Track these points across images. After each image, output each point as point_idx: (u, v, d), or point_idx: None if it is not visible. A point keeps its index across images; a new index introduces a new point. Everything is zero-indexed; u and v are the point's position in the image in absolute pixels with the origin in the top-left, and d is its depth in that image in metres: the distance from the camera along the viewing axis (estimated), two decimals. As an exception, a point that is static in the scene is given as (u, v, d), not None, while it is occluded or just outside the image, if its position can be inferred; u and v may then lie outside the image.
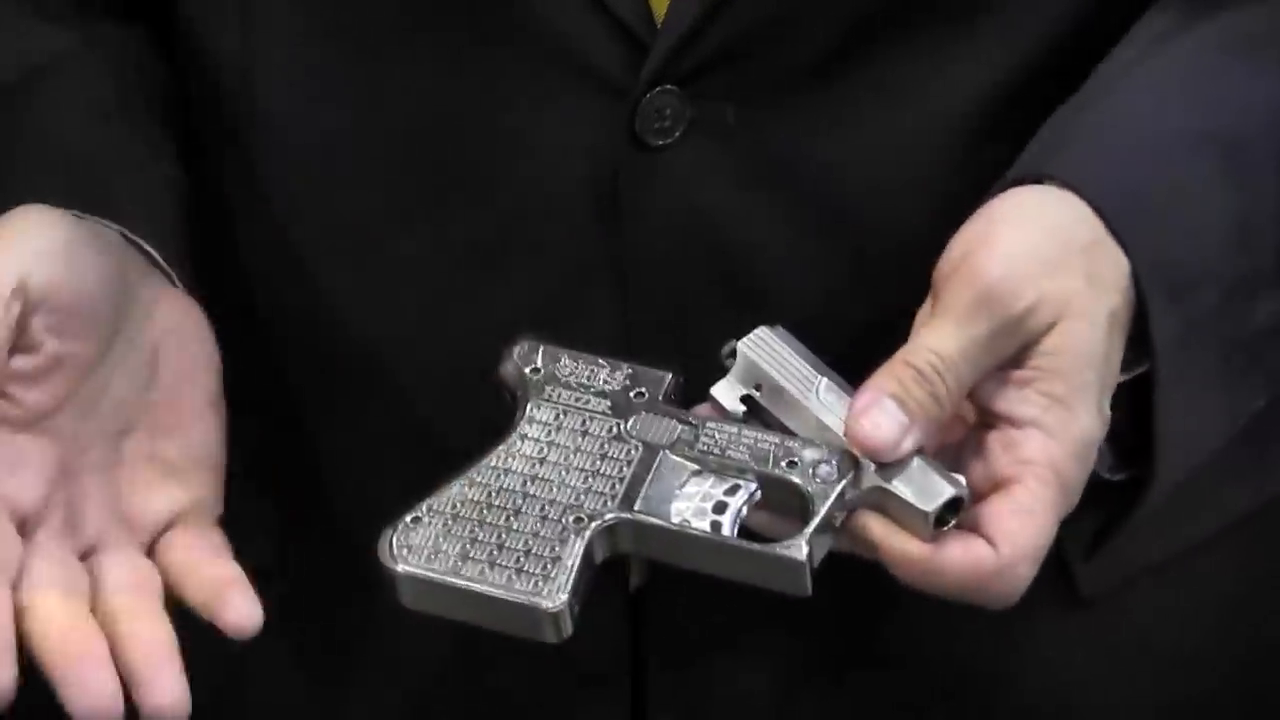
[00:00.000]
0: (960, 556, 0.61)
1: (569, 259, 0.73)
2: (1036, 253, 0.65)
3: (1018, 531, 0.60)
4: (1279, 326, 0.74)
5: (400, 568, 0.62)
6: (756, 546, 0.63)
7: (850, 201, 0.72)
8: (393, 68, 0.74)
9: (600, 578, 0.67)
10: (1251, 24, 0.73)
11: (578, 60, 0.71)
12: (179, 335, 0.69)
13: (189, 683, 0.62)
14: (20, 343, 0.65)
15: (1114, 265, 0.67)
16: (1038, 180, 0.66)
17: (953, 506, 0.60)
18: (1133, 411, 0.70)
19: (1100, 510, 0.73)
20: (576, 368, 0.69)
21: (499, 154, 0.74)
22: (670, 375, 0.68)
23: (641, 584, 0.74)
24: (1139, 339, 0.68)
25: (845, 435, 0.63)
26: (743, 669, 0.77)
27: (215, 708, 0.70)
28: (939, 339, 0.63)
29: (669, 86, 0.69)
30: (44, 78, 0.76)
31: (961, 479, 0.62)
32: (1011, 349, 0.64)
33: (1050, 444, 0.63)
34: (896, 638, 0.77)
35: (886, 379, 0.62)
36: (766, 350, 0.65)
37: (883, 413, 0.62)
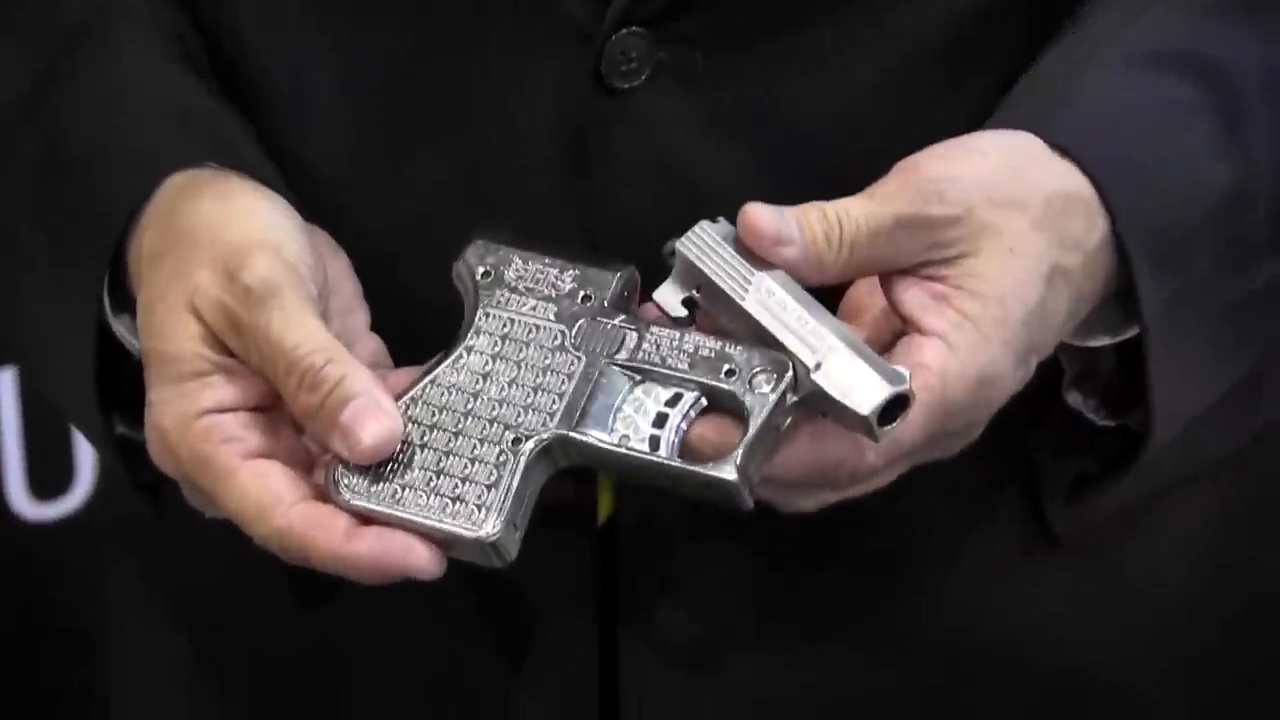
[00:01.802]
0: (832, 449, 0.63)
1: (538, 200, 0.73)
2: (986, 180, 0.66)
3: (893, 447, 0.63)
4: (1272, 292, 0.75)
5: (341, 499, 0.62)
6: (688, 467, 0.62)
7: (819, 143, 0.72)
8: (365, 14, 0.75)
9: (568, 504, 0.69)
10: None
11: (544, 3, 0.71)
12: (331, 260, 0.71)
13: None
14: None
15: (1087, 226, 0.68)
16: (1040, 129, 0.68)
17: (899, 403, 0.60)
18: (1125, 371, 0.72)
19: (1084, 457, 0.75)
20: (526, 269, 0.68)
21: (468, 98, 0.74)
22: (619, 274, 0.67)
23: (611, 514, 0.74)
24: (1129, 304, 0.69)
25: (738, 218, 0.63)
26: (713, 598, 0.77)
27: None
28: (855, 201, 0.64)
29: (635, 29, 0.69)
30: (119, 20, 0.77)
31: (905, 372, 0.61)
32: (918, 249, 0.65)
33: (949, 358, 0.64)
34: (872, 576, 0.78)
35: (795, 209, 0.64)
36: (706, 248, 0.64)
37: (777, 214, 0.63)
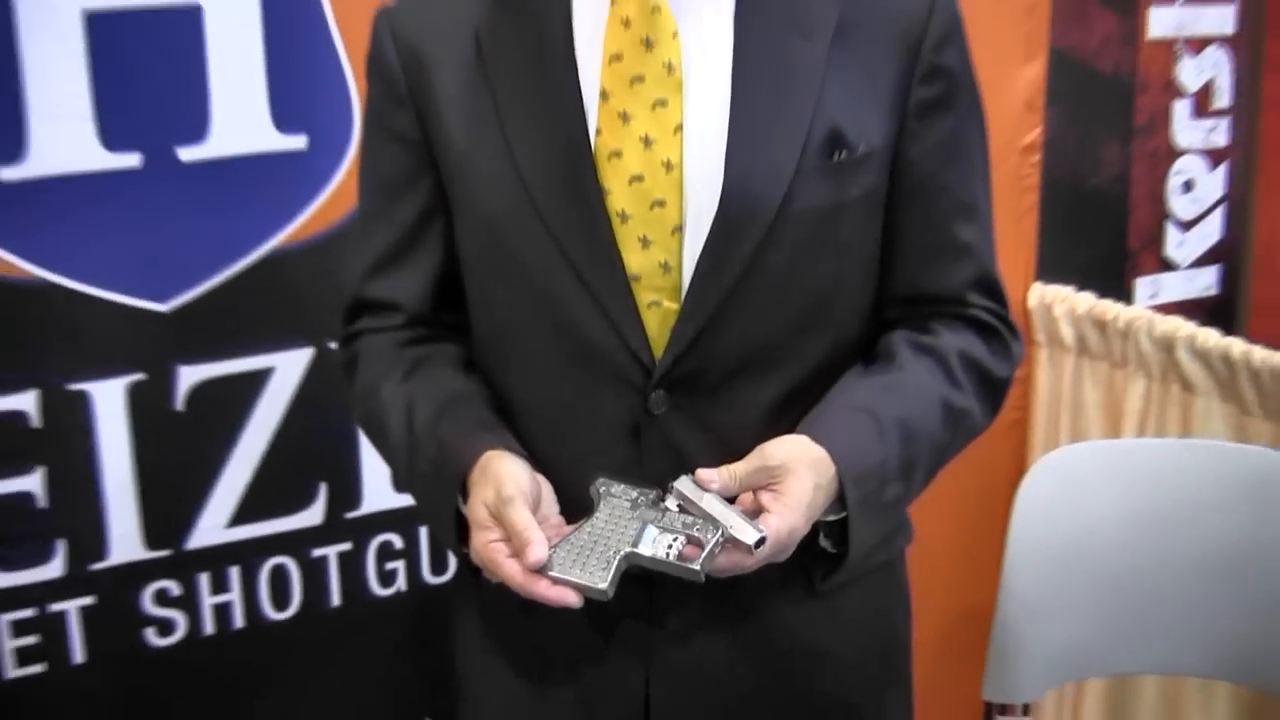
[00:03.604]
0: (735, 561, 1.31)
1: (617, 456, 1.42)
2: (790, 453, 1.35)
3: (759, 555, 1.30)
4: (899, 498, 1.44)
5: (550, 572, 1.31)
6: (679, 564, 1.30)
7: (745, 439, 1.38)
8: (529, 362, 1.47)
9: (629, 574, 1.33)
10: (927, 370, 1.45)
11: (621, 376, 1.40)
12: (543, 483, 1.41)
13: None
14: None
15: (829, 476, 1.36)
16: (814, 437, 1.37)
17: (762, 540, 1.29)
18: (841, 529, 1.39)
19: (825, 560, 1.43)
20: (620, 488, 1.38)
21: (586, 412, 1.44)
22: (656, 491, 1.36)
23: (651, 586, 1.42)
24: (841, 504, 1.37)
25: (696, 473, 1.34)
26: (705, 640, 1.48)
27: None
28: (741, 464, 1.34)
29: (661, 390, 1.40)
30: (471, 394, 1.49)
31: (764, 528, 1.29)
32: (765, 479, 1.33)
33: (780, 522, 1.30)
34: (750, 616, 1.47)
35: (721, 471, 1.34)
36: (686, 484, 1.35)
37: (714, 471, 1.34)
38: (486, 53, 1.45)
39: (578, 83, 1.41)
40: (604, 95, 1.40)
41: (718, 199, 1.37)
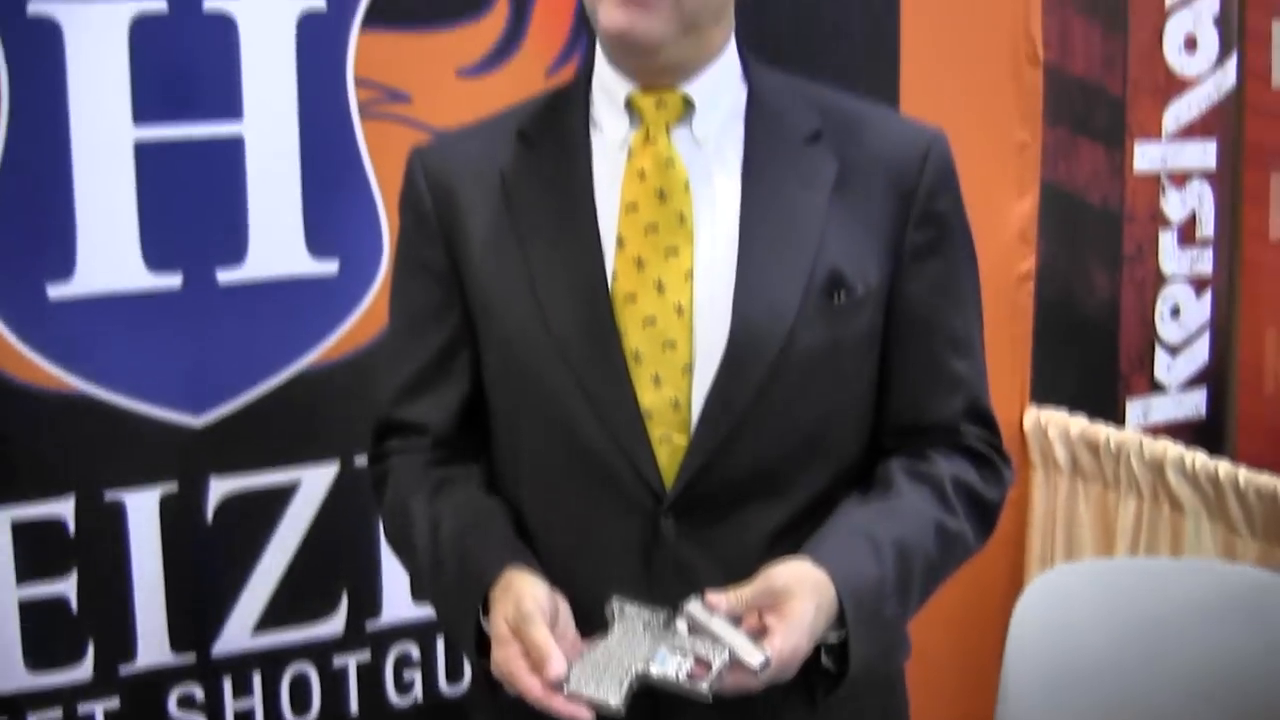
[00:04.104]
0: (741, 682, 1.34)
1: (627, 573, 1.47)
2: (793, 576, 1.40)
3: (764, 677, 1.34)
4: (897, 617, 1.49)
5: (565, 687, 1.34)
6: (687, 686, 1.33)
7: (749, 561, 1.44)
8: (547, 486, 1.54)
9: (639, 688, 1.37)
10: (920, 499, 1.52)
11: (634, 502, 1.47)
12: (560, 600, 1.45)
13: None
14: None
15: (830, 597, 1.40)
16: (817, 560, 1.42)
17: (766, 662, 1.33)
18: (841, 649, 1.43)
19: (826, 676, 1.46)
20: (634, 609, 1.43)
21: (595, 534, 1.50)
22: (667, 611, 1.40)
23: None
24: (842, 622, 1.40)
25: (706, 596, 1.38)
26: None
27: None
28: (747, 587, 1.39)
29: (671, 517, 1.47)
30: (494, 512, 1.56)
31: (768, 650, 1.33)
32: (770, 600, 1.37)
33: (783, 643, 1.35)
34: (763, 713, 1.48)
35: (728, 594, 1.38)
36: (696, 606, 1.39)
37: (721, 594, 1.38)
38: (512, 194, 1.56)
39: (597, 228, 1.51)
40: (620, 242, 1.50)
41: (725, 341, 1.47)
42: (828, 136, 1.55)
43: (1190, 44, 3.24)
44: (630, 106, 1.54)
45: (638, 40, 1.47)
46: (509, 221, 1.55)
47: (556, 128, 1.58)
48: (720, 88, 1.55)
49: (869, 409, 1.58)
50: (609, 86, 1.56)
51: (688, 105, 1.54)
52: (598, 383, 1.48)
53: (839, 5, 2.66)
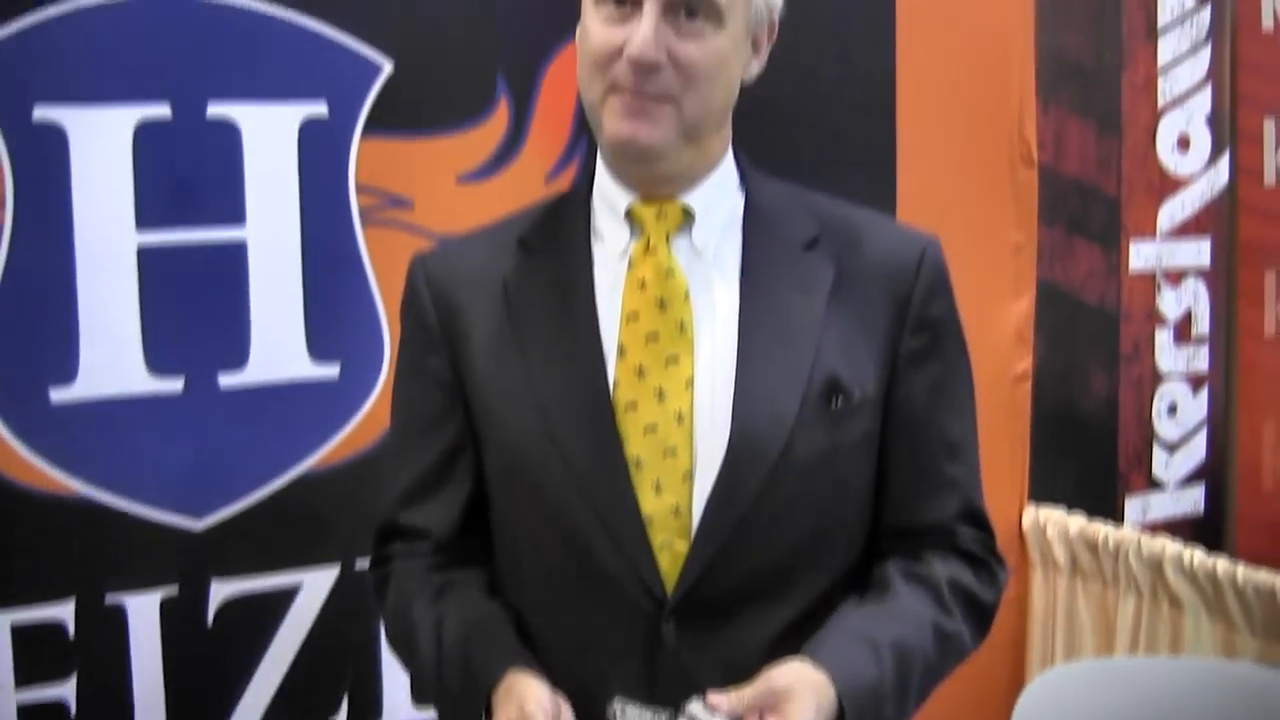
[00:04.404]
0: None
1: (630, 673, 1.49)
2: (794, 677, 1.41)
3: None
4: (895, 717, 1.48)
5: None
6: None
7: (750, 664, 1.45)
8: (549, 589, 1.55)
9: None
10: (915, 601, 1.53)
11: (635, 606, 1.49)
12: (562, 700, 1.45)
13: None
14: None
15: (830, 698, 1.41)
16: (816, 661, 1.43)
17: None
18: None
19: None
20: (636, 710, 1.45)
21: (597, 637, 1.51)
22: (669, 712, 1.43)
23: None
24: None
25: (708, 697, 1.39)
26: None
27: None
28: (749, 689, 1.40)
29: (672, 620, 1.48)
30: (495, 616, 1.57)
31: None
32: (770, 701, 1.39)
33: None
34: None
35: (730, 694, 1.40)
36: (697, 707, 1.41)
37: (723, 694, 1.40)
38: (514, 302, 1.58)
39: (598, 336, 1.53)
40: (622, 351, 1.53)
41: (725, 447, 1.49)
42: (825, 243, 1.59)
43: (1183, 143, 3.29)
44: (631, 217, 1.58)
45: (641, 148, 1.51)
46: (511, 329, 1.57)
47: (557, 236, 1.61)
48: (719, 197, 1.59)
49: (867, 512, 1.60)
50: (610, 197, 1.59)
51: (687, 215, 1.57)
52: (599, 489, 1.50)
53: (836, 110, 2.71)
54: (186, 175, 2.18)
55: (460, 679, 1.53)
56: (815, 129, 2.67)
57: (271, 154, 2.22)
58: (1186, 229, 3.30)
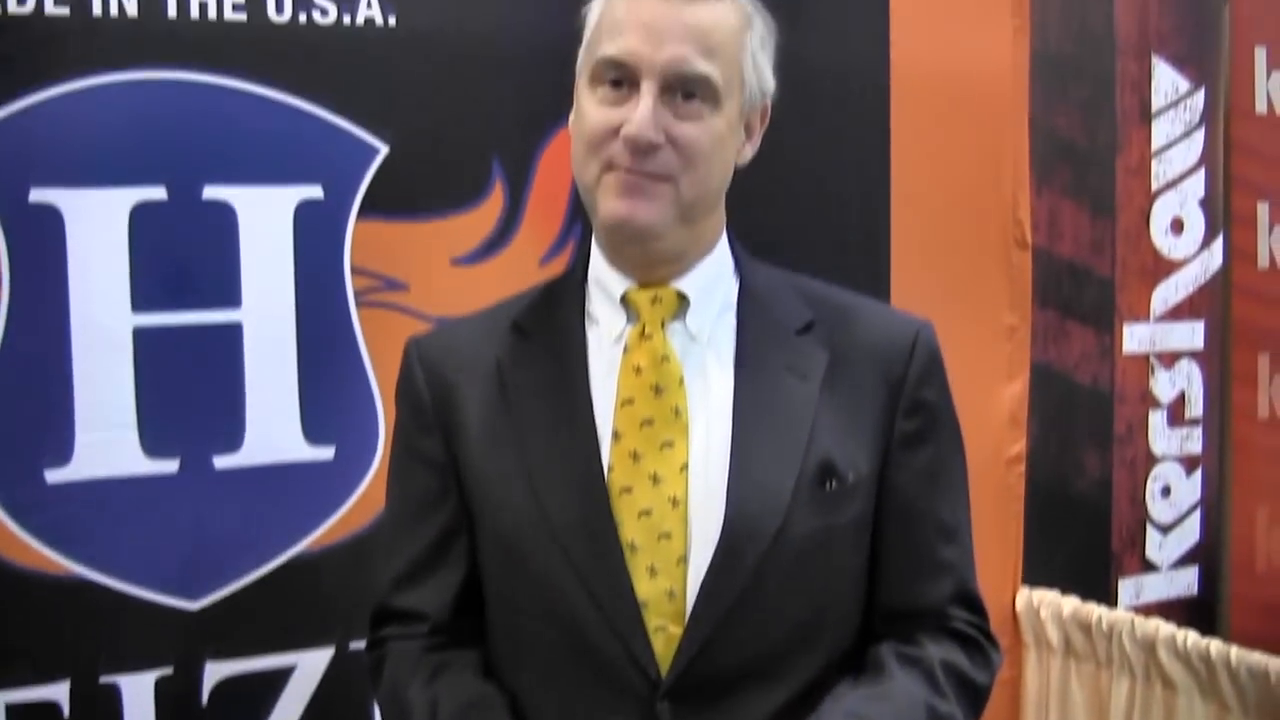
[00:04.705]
0: None
1: None
2: None
3: None
4: None
5: None
6: None
7: None
8: (543, 671, 1.55)
9: None
10: (911, 686, 1.53)
11: (629, 689, 1.48)
12: None
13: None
14: None
15: None
16: None
17: None
18: None
19: None
20: None
21: (589, 716, 1.51)
22: None
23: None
24: None
25: None
26: None
27: None
28: None
29: (667, 702, 1.48)
30: (490, 697, 1.56)
31: None
32: None
33: None
34: None
35: None
36: None
37: None
38: (509, 386, 1.59)
39: (593, 421, 1.55)
40: (616, 436, 1.53)
41: (720, 531, 1.49)
42: (818, 328, 1.60)
43: (1177, 226, 3.32)
44: (626, 302, 1.59)
45: (639, 228, 1.52)
46: (505, 413, 1.58)
47: (552, 321, 1.63)
48: (713, 282, 1.61)
49: (861, 595, 1.60)
50: (605, 282, 1.61)
51: (682, 301, 1.59)
52: (594, 573, 1.50)
53: (829, 195, 2.73)
54: (182, 257, 2.19)
55: None
56: (809, 213, 2.69)
57: (267, 236, 2.24)
58: (1180, 311, 3.33)
